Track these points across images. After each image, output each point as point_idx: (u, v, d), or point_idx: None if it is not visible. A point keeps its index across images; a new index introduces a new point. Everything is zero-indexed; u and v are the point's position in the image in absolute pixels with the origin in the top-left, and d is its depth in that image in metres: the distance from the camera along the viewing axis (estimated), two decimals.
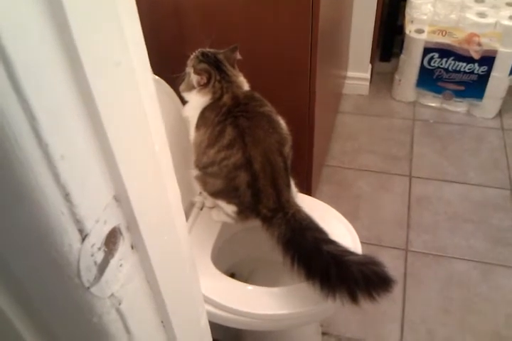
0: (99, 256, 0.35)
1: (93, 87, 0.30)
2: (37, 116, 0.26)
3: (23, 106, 0.26)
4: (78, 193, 0.30)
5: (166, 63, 1.20)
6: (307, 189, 1.68)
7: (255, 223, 1.09)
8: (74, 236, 0.32)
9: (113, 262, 0.37)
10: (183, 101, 1.17)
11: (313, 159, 1.59)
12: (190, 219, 1.27)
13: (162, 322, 0.48)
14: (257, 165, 1.03)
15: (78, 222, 0.31)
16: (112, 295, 0.37)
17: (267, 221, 1.07)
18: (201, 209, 1.30)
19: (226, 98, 1.09)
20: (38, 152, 0.27)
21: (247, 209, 1.09)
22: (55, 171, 0.28)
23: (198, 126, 1.11)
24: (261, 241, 1.07)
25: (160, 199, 0.42)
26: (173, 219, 0.45)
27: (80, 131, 0.30)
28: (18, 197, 0.28)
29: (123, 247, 0.38)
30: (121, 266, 0.38)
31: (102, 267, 0.35)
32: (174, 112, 1.22)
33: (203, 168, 1.10)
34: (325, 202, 1.29)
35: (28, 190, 0.28)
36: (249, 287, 1.13)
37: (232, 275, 1.26)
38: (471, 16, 2.00)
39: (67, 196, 0.29)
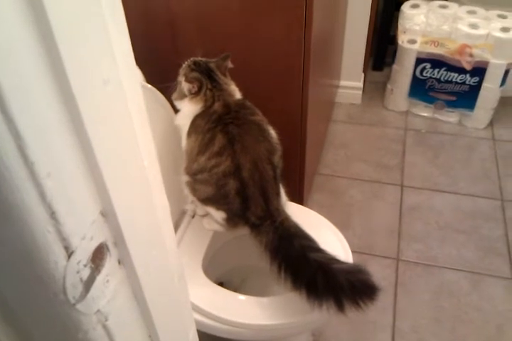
0: (85, 273, 0.34)
1: (80, 105, 0.30)
2: (23, 134, 0.26)
3: (8, 126, 0.26)
4: (64, 211, 0.30)
5: (159, 72, 1.20)
6: (299, 197, 1.69)
7: (245, 231, 1.09)
8: (60, 254, 0.31)
9: (99, 278, 0.36)
10: (176, 110, 1.17)
11: (305, 167, 1.59)
12: (182, 227, 1.26)
13: (150, 336, 0.47)
14: (245, 172, 1.04)
15: (64, 240, 0.31)
16: (98, 311, 0.37)
17: (255, 228, 1.07)
18: (193, 217, 1.30)
19: (217, 106, 1.10)
20: (23, 170, 0.27)
21: (236, 216, 1.09)
22: (41, 189, 0.28)
23: (189, 134, 1.11)
24: (252, 249, 1.07)
25: (148, 214, 0.42)
26: (162, 234, 0.45)
27: (67, 148, 0.30)
28: (4, 215, 0.28)
29: (110, 263, 0.37)
30: (107, 281, 0.38)
31: (88, 283, 0.35)
32: (167, 120, 1.22)
33: (193, 174, 1.10)
34: (317, 210, 1.30)
35: (14, 208, 0.28)
36: (240, 296, 1.13)
37: (221, 285, 1.25)
38: (463, 27, 2.01)
39: (53, 214, 0.29)
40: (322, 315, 1.07)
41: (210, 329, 1.08)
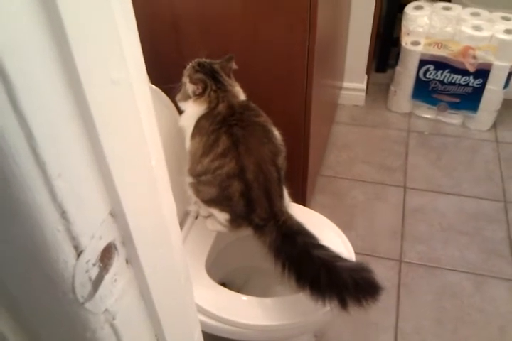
0: (94, 272, 0.35)
1: (91, 105, 0.30)
2: (35, 134, 0.27)
3: (21, 125, 0.26)
4: (74, 210, 0.31)
5: (164, 73, 1.21)
6: (302, 199, 1.69)
7: (248, 232, 1.09)
8: (69, 253, 0.32)
9: (107, 277, 0.37)
10: (180, 111, 1.17)
11: (308, 169, 1.59)
12: (185, 228, 1.27)
13: (156, 335, 0.48)
14: (250, 174, 1.04)
15: (74, 239, 0.31)
16: (106, 310, 0.37)
17: (258, 229, 1.07)
18: (196, 218, 1.30)
19: (221, 107, 1.10)
20: (35, 170, 0.27)
21: (240, 218, 1.09)
22: (52, 189, 0.28)
23: (193, 135, 1.11)
24: (255, 250, 1.07)
25: (155, 214, 0.43)
26: (169, 233, 0.45)
27: (78, 148, 0.30)
28: (15, 214, 0.28)
29: (118, 262, 0.38)
30: (115, 281, 0.38)
31: (97, 283, 0.35)
32: (171, 121, 1.22)
33: (196, 175, 1.10)
34: (319, 212, 1.30)
35: (25, 208, 0.28)
36: (243, 297, 1.13)
37: (224, 286, 1.26)
38: (466, 29, 2.01)
39: (63, 214, 0.30)
40: (325, 316, 1.07)
41: (213, 330, 1.08)
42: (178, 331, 0.52)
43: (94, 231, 0.34)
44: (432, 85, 2.20)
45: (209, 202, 1.13)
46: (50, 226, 0.30)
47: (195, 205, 1.28)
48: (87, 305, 0.35)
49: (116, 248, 0.37)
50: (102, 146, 0.32)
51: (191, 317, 0.56)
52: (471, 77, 2.10)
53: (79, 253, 0.32)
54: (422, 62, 2.15)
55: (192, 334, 0.56)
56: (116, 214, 0.36)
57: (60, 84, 0.29)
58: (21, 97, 0.26)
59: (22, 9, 0.26)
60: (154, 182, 0.41)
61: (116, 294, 0.38)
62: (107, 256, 0.36)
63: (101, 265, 0.35)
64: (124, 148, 0.35)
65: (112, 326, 0.38)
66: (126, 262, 0.39)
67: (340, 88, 2.39)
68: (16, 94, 0.26)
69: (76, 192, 0.31)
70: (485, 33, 1.99)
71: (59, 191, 0.29)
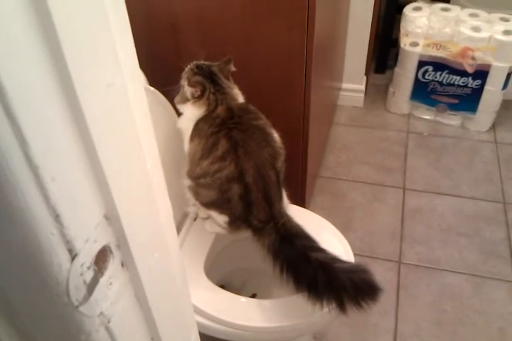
0: (89, 275, 0.35)
1: (85, 109, 0.30)
2: (28, 139, 0.27)
3: (13, 130, 0.26)
4: (68, 214, 0.31)
5: (162, 75, 1.21)
6: (301, 200, 1.69)
7: (247, 234, 1.09)
8: (63, 257, 0.32)
9: (102, 280, 0.37)
10: (178, 113, 1.17)
11: (307, 170, 1.59)
12: (184, 230, 1.27)
13: (152, 339, 0.48)
14: (249, 178, 1.04)
15: (68, 243, 0.31)
16: (101, 313, 0.37)
17: (257, 232, 1.07)
18: (195, 219, 1.30)
19: (220, 110, 1.10)
20: (28, 174, 0.27)
21: (239, 220, 1.09)
22: (45, 193, 0.28)
23: (192, 137, 1.11)
24: (254, 252, 1.07)
25: (151, 217, 0.43)
26: (165, 237, 0.45)
27: (71, 152, 0.30)
28: (8, 218, 0.28)
29: (113, 265, 0.38)
30: (110, 284, 0.38)
31: (91, 286, 0.35)
32: (169, 122, 1.22)
33: (195, 178, 1.10)
34: (318, 213, 1.30)
35: (18, 212, 0.28)
36: (242, 299, 1.13)
37: (222, 288, 1.25)
38: (465, 30, 2.02)
39: (57, 217, 0.30)
40: (324, 318, 1.07)
41: (211, 332, 1.08)
42: (174, 334, 0.52)
43: (89, 235, 0.34)
44: (431, 86, 2.20)
45: (208, 204, 1.13)
46: (44, 230, 0.30)
47: (193, 207, 1.28)
48: (82, 309, 0.35)
49: (111, 251, 0.37)
50: (96, 149, 0.32)
51: (188, 320, 0.56)
52: (470, 78, 2.10)
53: (73, 256, 0.32)
54: (421, 63, 2.15)
55: (189, 336, 0.56)
56: (111, 217, 0.36)
57: (53, 88, 0.29)
58: (14, 102, 0.26)
59: (14, 14, 0.26)
60: (150, 185, 0.41)
61: (112, 297, 0.38)
62: (101, 259, 0.36)
63: (96, 268, 0.35)
64: (119, 151, 0.35)
65: (107, 329, 0.38)
66: (122, 265, 0.39)
67: (339, 89, 2.39)
68: (9, 99, 0.26)
69: (70, 196, 0.31)
70: (483, 34, 2.00)
71: (52, 195, 0.29)
